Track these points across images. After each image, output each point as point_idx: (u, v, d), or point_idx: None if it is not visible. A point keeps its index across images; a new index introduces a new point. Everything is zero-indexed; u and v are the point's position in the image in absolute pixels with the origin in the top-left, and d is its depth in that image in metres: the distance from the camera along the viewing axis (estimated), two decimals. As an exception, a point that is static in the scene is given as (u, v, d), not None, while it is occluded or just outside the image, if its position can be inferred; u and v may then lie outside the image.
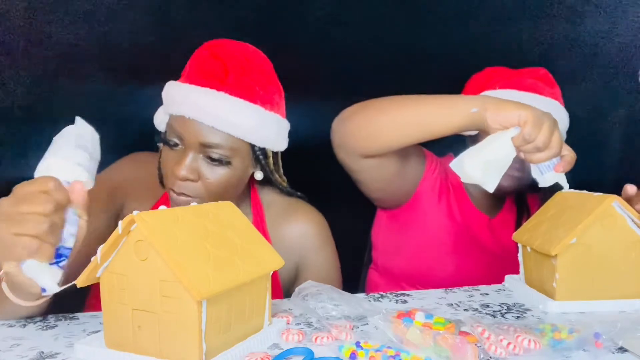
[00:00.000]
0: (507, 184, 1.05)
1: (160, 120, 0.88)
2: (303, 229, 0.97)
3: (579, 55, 1.55)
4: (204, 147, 0.81)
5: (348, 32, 1.43)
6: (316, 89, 1.40)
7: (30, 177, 0.60)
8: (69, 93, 1.21)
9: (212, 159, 0.82)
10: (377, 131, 0.90)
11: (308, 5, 1.39)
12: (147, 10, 1.27)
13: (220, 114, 0.80)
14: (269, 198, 0.98)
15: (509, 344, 0.58)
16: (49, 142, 0.65)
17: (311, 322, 0.68)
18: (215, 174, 0.83)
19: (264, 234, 0.94)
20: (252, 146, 0.86)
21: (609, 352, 0.59)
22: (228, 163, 0.83)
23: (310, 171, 1.41)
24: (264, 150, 0.88)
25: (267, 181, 0.95)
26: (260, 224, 0.96)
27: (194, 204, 0.62)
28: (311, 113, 1.41)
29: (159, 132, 0.89)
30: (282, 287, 0.97)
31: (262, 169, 0.90)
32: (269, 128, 0.86)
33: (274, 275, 0.93)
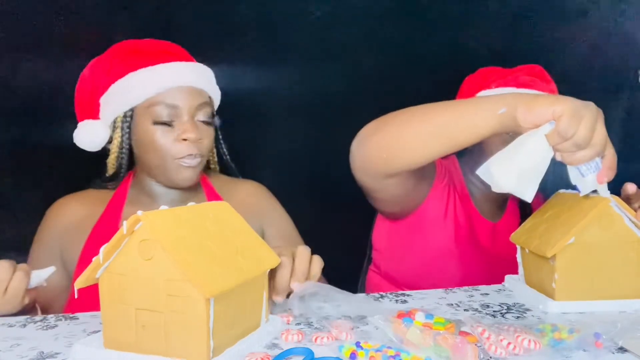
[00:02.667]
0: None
1: (97, 136, 0.93)
2: (253, 189, 1.07)
3: (578, 55, 1.55)
4: (196, 108, 0.92)
5: (346, 33, 1.43)
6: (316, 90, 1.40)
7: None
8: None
9: (204, 122, 0.93)
10: (400, 150, 0.83)
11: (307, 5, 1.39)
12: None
13: (197, 76, 0.94)
14: (214, 177, 1.07)
15: (509, 344, 0.58)
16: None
17: (311, 322, 0.68)
18: (208, 134, 0.94)
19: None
20: (212, 103, 0.97)
21: (609, 352, 0.59)
22: (211, 123, 0.95)
23: (310, 172, 1.42)
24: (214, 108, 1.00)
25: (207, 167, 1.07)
26: (212, 194, 1.02)
27: (191, 204, 0.62)
28: (313, 116, 1.41)
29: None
30: None
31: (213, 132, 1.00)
32: (214, 81, 1.00)
33: None
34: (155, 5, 1.28)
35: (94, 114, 0.94)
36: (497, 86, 1.11)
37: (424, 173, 1.03)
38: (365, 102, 1.47)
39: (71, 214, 0.96)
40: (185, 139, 0.89)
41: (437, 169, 1.10)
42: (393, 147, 0.83)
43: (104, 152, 0.97)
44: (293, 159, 1.41)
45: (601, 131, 0.67)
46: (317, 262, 0.73)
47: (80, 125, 0.94)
